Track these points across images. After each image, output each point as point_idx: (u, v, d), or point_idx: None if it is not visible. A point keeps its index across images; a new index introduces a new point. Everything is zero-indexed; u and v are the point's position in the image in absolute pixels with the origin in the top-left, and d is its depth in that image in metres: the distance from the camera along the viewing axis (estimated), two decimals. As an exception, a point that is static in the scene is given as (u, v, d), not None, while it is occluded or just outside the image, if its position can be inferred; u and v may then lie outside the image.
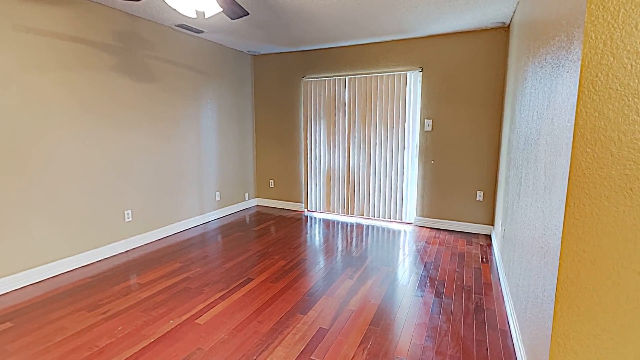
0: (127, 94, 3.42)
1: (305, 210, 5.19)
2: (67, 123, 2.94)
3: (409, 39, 4.19)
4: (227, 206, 4.94)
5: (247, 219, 4.74)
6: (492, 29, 3.76)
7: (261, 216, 4.88)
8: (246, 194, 5.34)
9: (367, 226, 4.42)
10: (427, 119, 4.22)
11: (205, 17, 2.77)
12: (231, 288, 2.69)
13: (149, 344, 2.00)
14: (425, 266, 3.15)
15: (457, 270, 3.07)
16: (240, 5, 2.37)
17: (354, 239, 3.90)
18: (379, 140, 4.52)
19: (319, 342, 2.03)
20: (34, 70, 2.69)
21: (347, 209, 4.88)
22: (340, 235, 4.04)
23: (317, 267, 3.12)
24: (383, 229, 4.31)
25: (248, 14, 2.49)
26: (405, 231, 4.21)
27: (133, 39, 3.43)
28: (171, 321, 2.23)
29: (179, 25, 3.75)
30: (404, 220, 4.55)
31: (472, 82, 3.93)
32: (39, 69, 2.72)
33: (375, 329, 2.16)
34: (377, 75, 4.40)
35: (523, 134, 2.25)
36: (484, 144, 3.97)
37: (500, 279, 2.85)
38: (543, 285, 1.44)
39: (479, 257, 3.38)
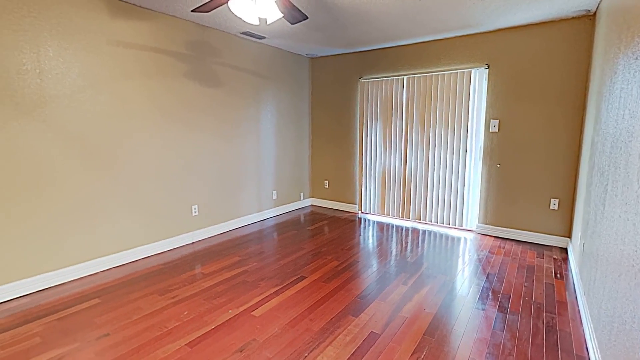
0: (197, 98, 3.72)
1: (359, 211, 5.15)
2: (147, 125, 3.29)
3: (474, 35, 3.94)
4: (282, 205, 5.11)
5: (302, 218, 4.85)
6: (573, 18, 3.37)
7: (315, 216, 4.96)
8: (301, 194, 5.47)
9: (424, 231, 4.24)
10: (493, 119, 3.91)
11: (267, 23, 2.90)
12: (285, 284, 2.78)
13: (210, 330, 2.14)
14: (487, 277, 2.93)
15: (525, 284, 2.80)
16: (299, 10, 2.43)
17: (409, 244, 3.77)
18: (438, 141, 4.32)
19: (370, 346, 2.00)
20: (121, 79, 3.06)
21: (402, 212, 4.74)
22: (394, 239, 3.93)
23: (370, 270, 3.08)
24: (441, 235, 4.10)
25: (307, 17, 2.55)
26: (465, 239, 3.96)
27: (203, 47, 3.72)
28: (230, 311, 2.37)
29: (243, 33, 3.97)
30: (464, 227, 4.28)
31: (548, 78, 3.56)
32: (125, 77, 3.08)
33: (430, 339, 2.07)
34: (438, 74, 4.21)
35: (610, 136, 1.98)
36: (561, 147, 3.56)
37: (578, 298, 2.54)
38: (633, 310, 1.25)
39: (551, 272, 3.05)
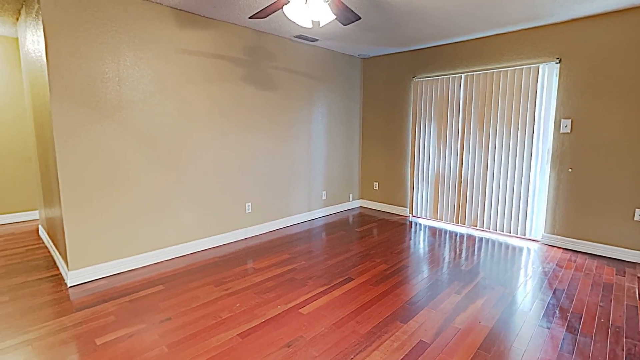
0: (253, 101, 3.89)
1: (410, 215, 4.99)
2: (207, 127, 3.52)
3: (543, 27, 3.60)
4: (331, 205, 5.14)
5: (350, 219, 4.83)
6: (669, 1, 2.92)
7: (364, 218, 4.90)
8: (350, 195, 5.45)
9: (480, 239, 3.98)
10: (565, 118, 3.54)
11: (320, 25, 2.94)
12: (332, 284, 2.78)
13: (260, 323, 2.23)
14: (554, 293, 2.66)
15: (601, 304, 2.49)
16: (352, 11, 2.43)
17: (464, 251, 3.56)
18: (499, 143, 4.02)
19: (419, 355, 1.93)
20: (186, 84, 3.31)
21: (457, 217, 4.49)
22: (447, 245, 3.74)
23: (420, 276, 2.96)
24: (500, 243, 3.82)
25: (360, 18, 2.53)
26: (528, 249, 3.63)
27: (259, 52, 3.89)
28: (279, 307, 2.44)
29: (296, 37, 4.08)
30: (528, 237, 3.93)
31: (632, 71, 3.13)
32: (189, 82, 3.34)
33: (485, 355, 1.93)
34: (500, 71, 3.92)
35: None
36: (650, 149, 3.11)
37: (669, 324, 2.19)
38: None
39: (634, 292, 2.67)
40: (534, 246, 3.71)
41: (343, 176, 5.28)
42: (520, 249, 3.62)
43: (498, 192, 4.09)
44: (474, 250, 3.60)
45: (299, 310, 2.39)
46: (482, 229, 4.27)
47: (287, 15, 2.27)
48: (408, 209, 5.02)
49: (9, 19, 3.60)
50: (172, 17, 3.13)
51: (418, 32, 3.86)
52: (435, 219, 4.71)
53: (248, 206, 3.99)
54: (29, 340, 2.03)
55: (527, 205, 3.88)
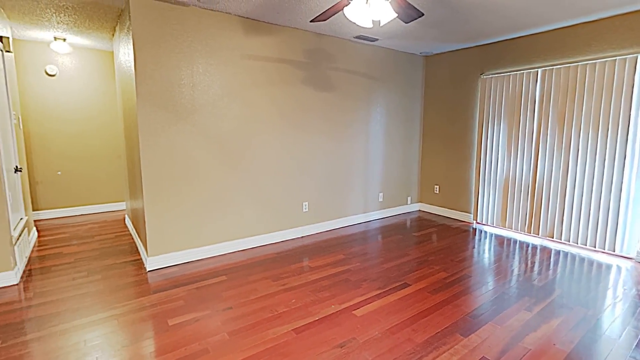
0: (312, 102, 3.97)
1: (474, 221, 4.66)
2: (269, 128, 3.68)
3: (646, 9, 3.10)
4: (388, 208, 5.02)
5: (408, 223, 4.67)
6: None
7: (423, 222, 4.71)
8: (408, 198, 5.28)
9: (557, 251, 3.56)
10: (672, 116, 3.01)
11: (381, 25, 2.89)
12: (388, 289, 2.72)
13: (314, 321, 2.26)
14: (652, 320, 2.27)
15: None
16: (415, 7, 2.35)
17: (536, 264, 3.22)
18: (583, 145, 3.57)
19: (481, 372, 1.79)
20: (250, 87, 3.50)
21: (529, 226, 4.09)
22: (517, 257, 3.42)
23: (484, 287, 2.75)
24: (582, 258, 3.38)
25: (423, 14, 2.44)
26: (619, 267, 3.16)
27: (319, 54, 3.95)
28: (332, 306, 2.45)
29: (356, 37, 4.06)
30: (618, 253, 3.42)
31: None
32: (253, 86, 3.52)
33: (561, 381, 1.72)
34: (586, 64, 3.48)
35: None
36: None
37: None
38: None
39: None
40: (626, 264, 3.22)
41: (401, 178, 5.13)
42: (608, 267, 3.16)
43: (581, 201, 3.63)
44: (549, 264, 3.24)
45: (353, 312, 2.37)
46: (559, 240, 3.83)
47: (347, 16, 2.28)
48: (472, 215, 4.70)
49: (106, 35, 4.16)
50: (240, 25, 3.34)
51: (488, 26, 3.59)
52: (503, 227, 4.33)
53: (305, 205, 4.08)
54: (115, 315, 2.32)
55: (617, 217, 3.38)
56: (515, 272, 3.06)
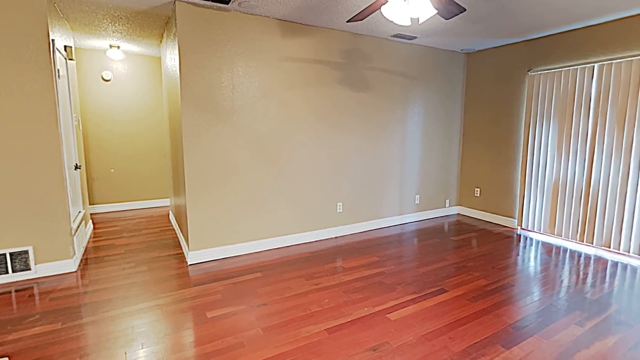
0: (347, 103, 3.96)
1: (519, 227, 4.39)
2: (305, 129, 3.72)
3: None
4: (425, 210, 4.88)
5: (446, 226, 4.50)
6: None
7: (462, 226, 4.52)
8: (447, 201, 5.09)
9: (615, 263, 3.26)
10: None
11: (420, 22, 2.82)
12: (423, 293, 2.64)
13: (346, 322, 2.25)
14: None
15: None
16: (456, 3, 2.26)
17: (590, 276, 2.97)
18: (647, 146, 3.23)
19: (524, 388, 1.68)
20: (287, 89, 3.56)
21: (582, 234, 3.77)
22: (567, 267, 3.18)
23: (529, 298, 2.58)
24: (644, 271, 3.07)
25: (465, 10, 2.34)
26: (689, 282, 2.83)
27: (355, 54, 3.93)
28: (365, 308, 2.43)
29: (394, 36, 3.99)
30: (688, 266, 3.06)
31: None
32: (290, 87, 3.58)
33: (618, 405, 1.57)
34: (652, 56, 3.15)
35: None
36: None
37: None
38: None
39: None
40: (698, 280, 2.87)
41: (439, 180, 4.96)
42: (676, 282, 2.84)
43: (644, 207, 3.29)
44: (605, 276, 2.97)
45: (387, 315, 2.33)
46: (617, 251, 3.49)
47: (385, 15, 2.24)
48: (516, 220, 4.44)
49: (155, 41, 4.44)
50: (278, 28, 3.41)
51: (538, 19, 3.37)
52: (552, 234, 4.04)
53: (339, 206, 4.08)
54: (159, 305, 2.47)
55: (689, 227, 3.02)
56: (565, 283, 2.84)
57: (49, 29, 2.78)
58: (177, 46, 3.03)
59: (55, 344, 2.00)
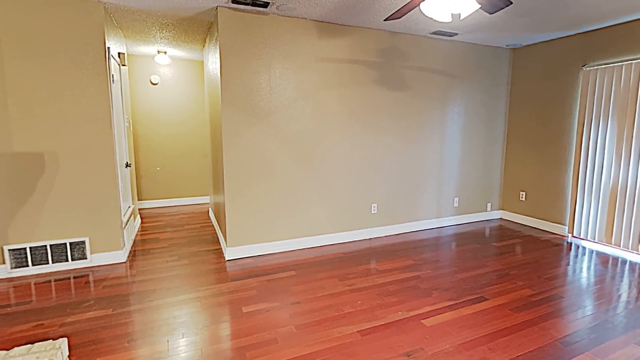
0: (384, 102, 3.90)
1: (569, 235, 4.08)
2: (340, 129, 3.72)
3: None
4: (465, 214, 4.68)
5: (487, 231, 4.29)
6: None
7: (505, 231, 4.28)
8: (488, 204, 4.84)
9: (684, 277, 2.92)
10: None
11: (461, 18, 2.71)
12: (461, 300, 2.53)
13: (379, 325, 2.22)
14: None
15: None
16: (503, -5, 2.14)
17: (654, 290, 2.69)
18: None
19: (574, 408, 1.56)
20: (323, 89, 3.58)
21: (643, 244, 3.42)
22: (626, 279, 2.90)
23: (581, 311, 2.39)
24: None
25: (511, 3, 2.21)
26: None
27: (392, 53, 3.86)
28: (400, 312, 2.37)
29: (433, 33, 3.87)
30: None
31: None
32: (326, 88, 3.59)
33: None
34: None
35: None
36: None
37: None
38: None
39: None
40: None
41: (480, 183, 4.73)
42: None
43: None
44: (672, 291, 2.67)
45: (421, 321, 2.27)
46: (687, 264, 3.13)
47: (424, 12, 2.18)
48: (567, 227, 4.12)
49: (198, 46, 4.66)
50: (314, 29, 3.44)
51: (594, 9, 3.11)
52: (608, 243, 3.70)
53: (374, 207, 4.03)
54: (198, 297, 2.59)
55: None
56: (624, 297, 2.59)
57: (105, 38, 3.02)
58: (218, 50, 3.16)
59: (107, 328, 2.17)
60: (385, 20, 2.51)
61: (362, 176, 3.91)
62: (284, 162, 3.50)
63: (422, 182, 4.30)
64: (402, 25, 3.61)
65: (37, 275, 2.94)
